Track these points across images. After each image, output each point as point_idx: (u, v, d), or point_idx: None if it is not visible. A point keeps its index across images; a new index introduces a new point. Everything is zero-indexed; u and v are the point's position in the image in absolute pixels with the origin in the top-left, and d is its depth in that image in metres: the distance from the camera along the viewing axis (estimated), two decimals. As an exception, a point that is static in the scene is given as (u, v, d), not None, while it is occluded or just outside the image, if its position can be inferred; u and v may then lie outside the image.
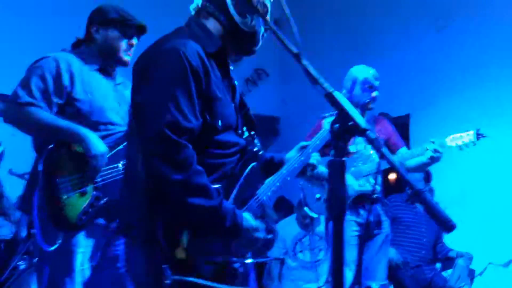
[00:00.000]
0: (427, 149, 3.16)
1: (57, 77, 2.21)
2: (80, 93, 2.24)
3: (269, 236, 1.74)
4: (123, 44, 2.33)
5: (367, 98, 3.44)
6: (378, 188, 3.44)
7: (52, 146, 2.12)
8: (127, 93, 2.43)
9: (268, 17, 1.67)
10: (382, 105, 3.72)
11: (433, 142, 3.17)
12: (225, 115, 1.59)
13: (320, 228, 4.63)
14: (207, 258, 1.54)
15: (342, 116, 1.22)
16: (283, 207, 5.53)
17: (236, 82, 1.74)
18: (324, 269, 4.45)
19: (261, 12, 1.63)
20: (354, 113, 1.22)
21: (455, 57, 5.17)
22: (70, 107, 2.23)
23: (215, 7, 1.64)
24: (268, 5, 1.69)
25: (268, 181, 1.78)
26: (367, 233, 3.33)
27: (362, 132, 1.18)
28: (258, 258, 1.76)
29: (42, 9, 4.93)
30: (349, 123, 1.21)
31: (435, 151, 3.14)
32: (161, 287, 1.46)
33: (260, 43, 1.70)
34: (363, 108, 3.46)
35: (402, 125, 5.12)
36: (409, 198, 4.64)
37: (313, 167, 1.91)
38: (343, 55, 5.98)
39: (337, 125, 1.23)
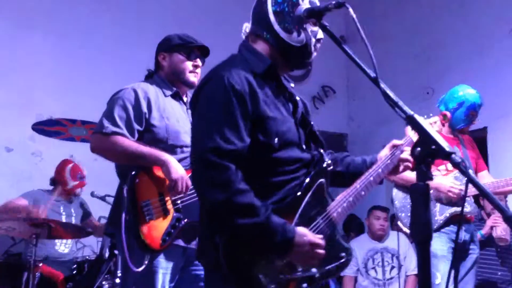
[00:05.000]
0: None
1: (136, 105, 2.33)
2: (156, 119, 2.35)
3: (341, 255, 1.66)
4: (188, 65, 2.46)
5: (466, 124, 3.34)
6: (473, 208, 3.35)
7: (134, 172, 2.22)
8: None
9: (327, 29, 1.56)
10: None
11: None
12: (282, 132, 1.60)
13: (392, 245, 4.53)
14: (270, 278, 1.50)
15: (425, 139, 1.21)
16: (354, 225, 5.44)
17: (297, 98, 1.75)
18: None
19: (306, 21, 1.59)
20: (437, 136, 1.20)
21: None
22: (148, 133, 2.34)
23: (261, 28, 1.67)
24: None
25: (340, 196, 1.69)
26: (461, 252, 3.24)
27: (446, 156, 1.16)
28: (329, 277, 1.65)
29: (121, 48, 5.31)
30: (432, 147, 1.19)
31: None
32: None
33: (313, 53, 1.67)
34: (454, 130, 3.36)
35: (479, 139, 4.92)
36: (482, 218, 4.47)
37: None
38: (416, 67, 5.86)
39: (418, 149, 1.22)
